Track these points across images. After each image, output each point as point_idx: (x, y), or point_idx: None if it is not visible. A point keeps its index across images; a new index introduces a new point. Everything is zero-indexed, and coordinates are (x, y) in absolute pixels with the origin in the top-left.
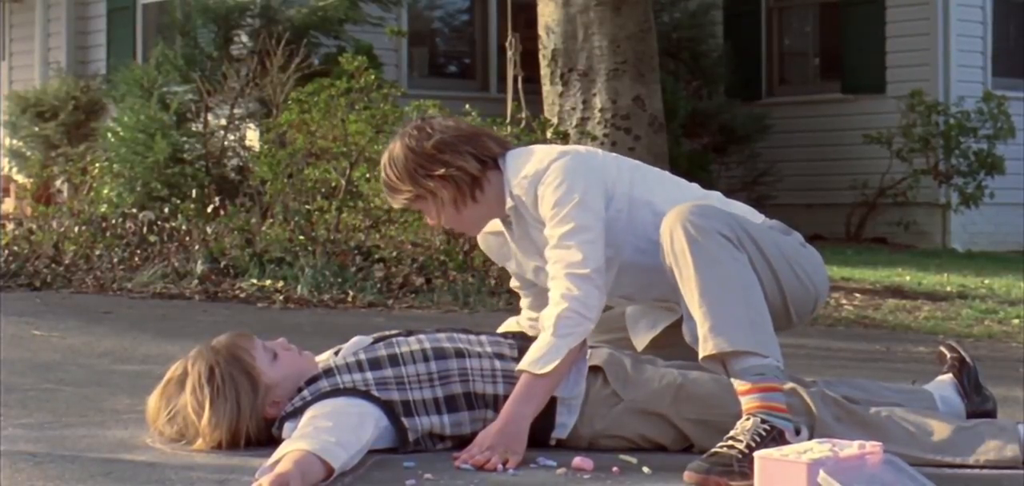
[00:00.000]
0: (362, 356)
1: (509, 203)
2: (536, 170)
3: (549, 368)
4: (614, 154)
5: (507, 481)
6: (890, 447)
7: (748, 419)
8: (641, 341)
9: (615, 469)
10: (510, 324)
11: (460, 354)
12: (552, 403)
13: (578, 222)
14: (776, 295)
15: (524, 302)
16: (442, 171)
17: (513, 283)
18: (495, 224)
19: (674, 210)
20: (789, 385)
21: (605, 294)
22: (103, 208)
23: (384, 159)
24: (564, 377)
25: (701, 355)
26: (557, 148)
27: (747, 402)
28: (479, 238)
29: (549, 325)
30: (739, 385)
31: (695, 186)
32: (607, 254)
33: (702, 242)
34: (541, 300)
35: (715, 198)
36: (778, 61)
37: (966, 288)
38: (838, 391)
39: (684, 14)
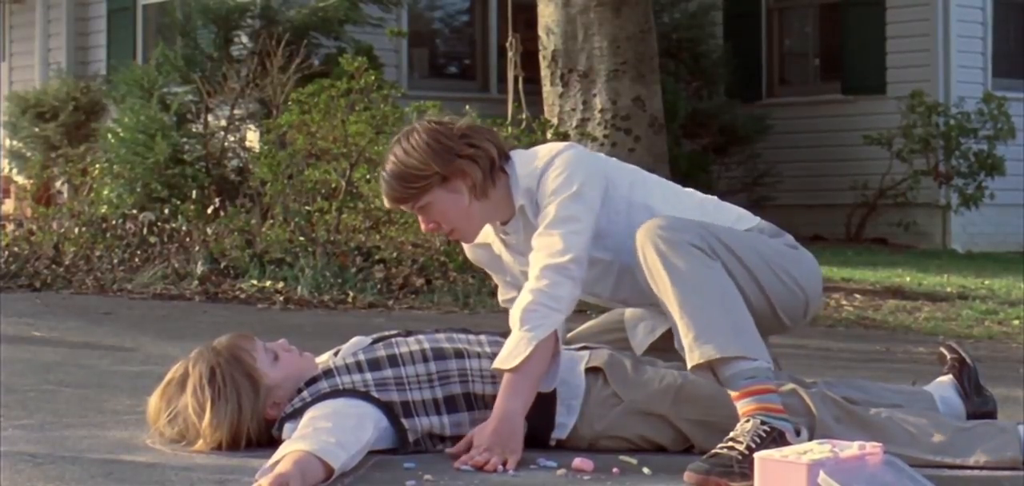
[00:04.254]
0: (361, 357)
1: (519, 201)
2: (543, 161)
3: (516, 362)
4: (614, 159)
5: (507, 481)
6: (890, 448)
7: (748, 420)
8: (640, 345)
9: (615, 470)
10: None
11: (459, 355)
12: (552, 404)
13: (567, 212)
14: (760, 300)
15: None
16: (471, 150)
17: (502, 297)
18: (484, 235)
19: (643, 227)
20: (789, 386)
21: (580, 286)
22: (103, 209)
23: (397, 153)
24: (544, 370)
25: (689, 365)
26: (562, 143)
27: (743, 406)
28: (468, 251)
29: (516, 319)
30: (732, 391)
31: (691, 190)
32: (606, 257)
33: (673, 255)
34: None
35: (711, 202)
36: (778, 62)
37: (966, 289)
38: (838, 392)
39: (684, 15)
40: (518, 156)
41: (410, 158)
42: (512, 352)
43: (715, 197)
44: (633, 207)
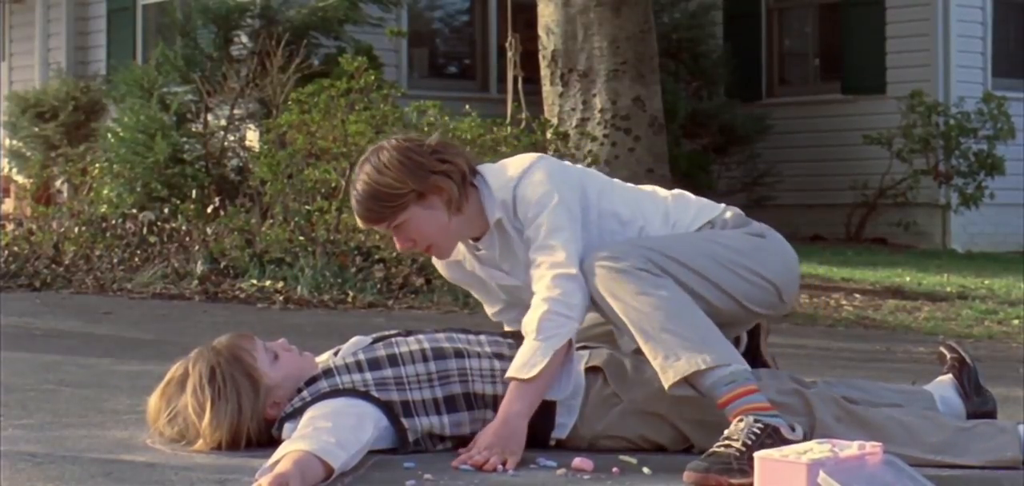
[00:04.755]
0: (361, 356)
1: (496, 215)
2: (516, 174)
3: (535, 372)
4: (580, 166)
5: (507, 481)
6: (890, 447)
7: (741, 420)
8: (626, 347)
9: (615, 469)
10: None
11: (459, 354)
12: (551, 404)
13: (558, 221)
14: (725, 301)
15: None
16: (444, 166)
17: (490, 310)
18: (455, 252)
19: (587, 261)
20: (789, 386)
21: (589, 293)
22: (103, 208)
23: (369, 172)
24: (555, 378)
25: (666, 387)
26: (531, 155)
27: (730, 411)
28: (443, 269)
29: (532, 328)
30: (716, 400)
31: (652, 188)
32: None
33: (620, 285)
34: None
35: (672, 198)
36: (778, 62)
37: (966, 289)
38: (838, 392)
39: (684, 15)
40: (488, 171)
41: (384, 176)
42: (528, 361)
43: (677, 190)
44: (603, 216)
